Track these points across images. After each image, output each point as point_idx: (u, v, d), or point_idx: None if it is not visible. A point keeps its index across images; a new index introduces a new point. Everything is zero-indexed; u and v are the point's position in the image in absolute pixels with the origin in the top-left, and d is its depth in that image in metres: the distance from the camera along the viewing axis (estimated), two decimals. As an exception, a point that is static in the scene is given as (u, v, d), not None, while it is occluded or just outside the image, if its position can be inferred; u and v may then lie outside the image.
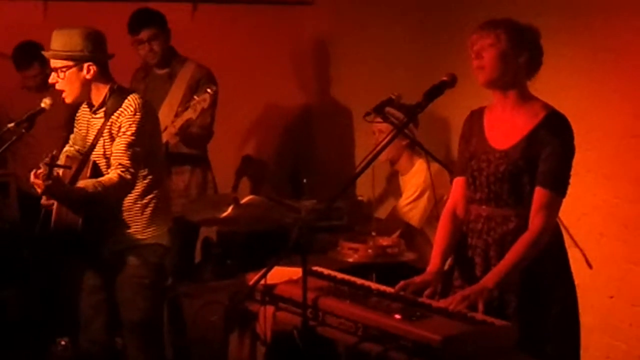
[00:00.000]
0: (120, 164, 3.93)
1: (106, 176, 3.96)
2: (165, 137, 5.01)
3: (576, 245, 3.81)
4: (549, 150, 3.26)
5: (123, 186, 3.96)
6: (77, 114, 4.25)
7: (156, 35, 5.37)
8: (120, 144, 3.96)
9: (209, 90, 5.00)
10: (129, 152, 3.94)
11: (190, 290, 4.82)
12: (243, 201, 4.99)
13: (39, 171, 3.74)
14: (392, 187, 5.36)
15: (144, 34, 5.35)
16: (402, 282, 3.35)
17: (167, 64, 5.47)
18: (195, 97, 5.05)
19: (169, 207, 4.33)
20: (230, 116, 5.88)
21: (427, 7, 5.71)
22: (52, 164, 3.72)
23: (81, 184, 3.93)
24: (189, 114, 5.05)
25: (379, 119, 4.54)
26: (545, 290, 3.33)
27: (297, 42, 6.88)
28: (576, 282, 3.43)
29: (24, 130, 4.07)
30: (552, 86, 3.81)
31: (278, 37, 6.79)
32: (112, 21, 5.29)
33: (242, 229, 5.24)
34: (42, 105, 4.12)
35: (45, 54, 4.09)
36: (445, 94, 3.38)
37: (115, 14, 5.67)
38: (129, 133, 3.96)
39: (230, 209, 4.89)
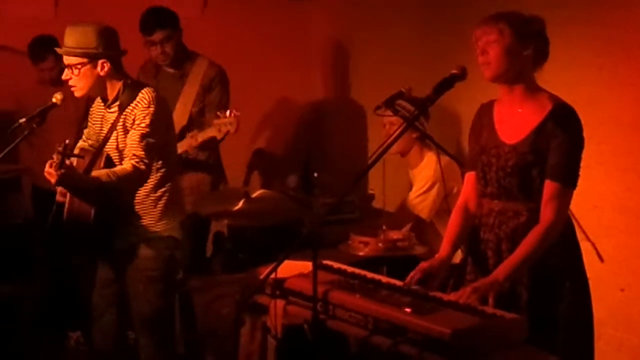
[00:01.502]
0: (134, 155, 3.92)
1: (120, 166, 3.96)
2: (184, 147, 5.02)
3: (587, 238, 3.79)
4: (557, 143, 3.24)
5: (137, 177, 3.95)
6: (91, 109, 4.26)
7: (169, 37, 5.30)
8: (134, 135, 3.96)
9: (236, 113, 4.96)
10: (143, 144, 3.94)
11: (201, 284, 4.83)
12: (254, 195, 4.99)
13: (53, 161, 3.74)
14: (403, 181, 5.35)
15: (157, 36, 5.28)
16: (411, 274, 3.34)
17: (179, 64, 5.43)
18: (219, 114, 4.99)
19: (181, 200, 4.33)
20: (241, 110, 5.85)
21: (439, 0, 5.71)
22: (65, 153, 3.71)
23: (95, 173, 3.92)
24: (214, 133, 5.01)
25: (389, 112, 4.54)
26: (557, 283, 3.32)
27: (309, 37, 6.88)
28: (587, 275, 3.42)
29: (35, 125, 4.07)
30: (563, 79, 3.80)
31: (289, 32, 6.79)
32: (122, 15, 5.27)
33: (253, 223, 5.24)
34: (53, 100, 4.11)
35: (59, 50, 4.07)
36: (455, 86, 3.36)
37: (125, 8, 5.67)
38: (143, 125, 3.96)
39: (241, 203, 4.89)
